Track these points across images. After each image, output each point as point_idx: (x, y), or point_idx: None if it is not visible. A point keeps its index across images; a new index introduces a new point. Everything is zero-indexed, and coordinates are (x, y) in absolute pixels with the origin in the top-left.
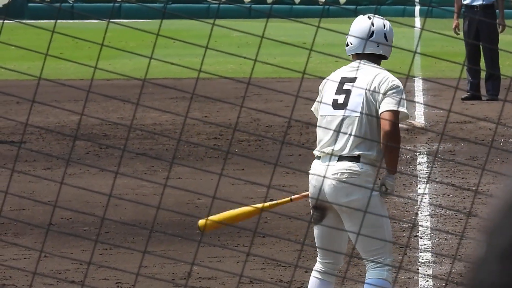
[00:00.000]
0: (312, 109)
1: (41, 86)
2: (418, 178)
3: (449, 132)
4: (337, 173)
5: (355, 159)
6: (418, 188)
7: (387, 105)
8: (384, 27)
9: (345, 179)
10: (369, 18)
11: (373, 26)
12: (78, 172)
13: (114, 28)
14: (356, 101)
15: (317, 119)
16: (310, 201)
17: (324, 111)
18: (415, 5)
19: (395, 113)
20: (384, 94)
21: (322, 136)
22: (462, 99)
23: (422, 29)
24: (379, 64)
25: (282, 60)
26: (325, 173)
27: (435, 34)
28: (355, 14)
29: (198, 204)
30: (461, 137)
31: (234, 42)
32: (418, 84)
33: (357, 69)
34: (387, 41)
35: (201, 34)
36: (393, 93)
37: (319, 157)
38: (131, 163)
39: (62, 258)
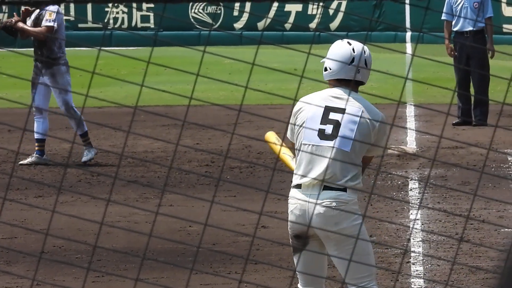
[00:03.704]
0: (288, 135)
1: (33, 114)
2: (410, 204)
3: (441, 157)
4: (324, 201)
5: (342, 189)
6: (410, 214)
7: (376, 151)
8: (364, 53)
9: (334, 207)
10: (349, 43)
11: (354, 52)
12: (70, 200)
13: (106, 55)
14: (347, 135)
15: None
16: (290, 230)
17: (308, 140)
18: (406, 31)
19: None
20: (377, 138)
21: (307, 165)
22: (453, 124)
23: (413, 55)
24: (356, 90)
25: (274, 86)
26: (310, 201)
27: (427, 60)
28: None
29: (190, 231)
30: (452, 162)
31: (225, 69)
32: (410, 110)
33: (342, 99)
34: (366, 66)
35: (193, 61)
36: (383, 137)
37: (299, 186)
38: (123, 191)
39: (55, 286)
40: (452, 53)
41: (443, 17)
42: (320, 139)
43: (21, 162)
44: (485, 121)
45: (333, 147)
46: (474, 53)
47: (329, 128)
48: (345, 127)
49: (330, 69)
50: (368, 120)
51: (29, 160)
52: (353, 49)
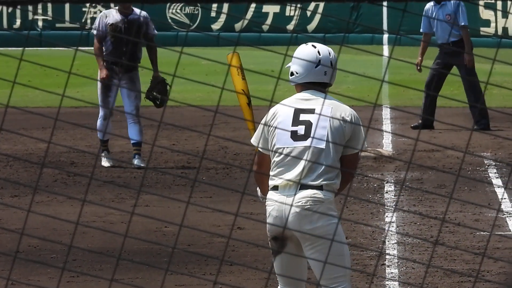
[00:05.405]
0: (253, 141)
1: (9, 113)
2: (386, 207)
3: (417, 160)
4: (301, 201)
5: (318, 187)
6: (385, 216)
7: (356, 146)
8: (330, 55)
9: (309, 206)
10: (314, 46)
11: (320, 55)
12: (45, 200)
13: (82, 56)
14: (321, 133)
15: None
16: (268, 232)
17: (282, 143)
18: (383, 33)
19: (359, 152)
20: (352, 131)
21: (284, 167)
22: (412, 127)
23: (390, 57)
24: (324, 92)
25: (251, 88)
26: (286, 202)
27: (404, 62)
28: (323, 42)
29: (165, 232)
30: (428, 165)
31: (202, 70)
32: (386, 113)
33: (311, 100)
34: (332, 68)
35: (170, 61)
36: (359, 130)
37: (275, 188)
38: (99, 191)
39: (29, 286)
40: (419, 68)
41: (422, 29)
42: (294, 140)
43: (139, 165)
44: (487, 125)
45: (308, 146)
46: (460, 62)
47: (301, 129)
48: (318, 125)
49: (297, 73)
50: (339, 116)
51: (138, 162)
52: (318, 52)
